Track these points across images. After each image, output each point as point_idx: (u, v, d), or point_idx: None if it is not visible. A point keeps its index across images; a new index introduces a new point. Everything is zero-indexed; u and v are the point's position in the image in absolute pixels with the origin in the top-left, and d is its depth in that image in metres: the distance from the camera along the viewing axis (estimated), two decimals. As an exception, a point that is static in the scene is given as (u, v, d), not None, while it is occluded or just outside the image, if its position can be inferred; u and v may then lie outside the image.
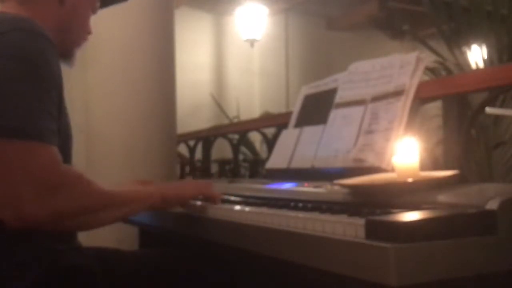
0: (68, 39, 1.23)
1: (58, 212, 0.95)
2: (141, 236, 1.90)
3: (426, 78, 1.73)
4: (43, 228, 0.96)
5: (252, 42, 6.15)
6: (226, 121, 4.71)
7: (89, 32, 1.30)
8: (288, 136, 1.72)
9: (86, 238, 1.22)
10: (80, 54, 1.30)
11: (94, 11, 1.30)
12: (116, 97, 2.46)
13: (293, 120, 1.75)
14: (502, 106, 2.26)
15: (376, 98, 1.43)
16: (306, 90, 1.78)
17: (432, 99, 1.47)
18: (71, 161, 1.19)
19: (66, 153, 1.12)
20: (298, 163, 1.59)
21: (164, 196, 1.17)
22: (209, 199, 1.24)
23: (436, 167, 1.32)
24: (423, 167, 1.04)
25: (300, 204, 1.05)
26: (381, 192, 1.01)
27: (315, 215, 0.91)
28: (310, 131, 1.61)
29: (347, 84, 1.56)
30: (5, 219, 0.93)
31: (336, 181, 1.12)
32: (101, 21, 1.35)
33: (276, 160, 1.70)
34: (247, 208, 1.08)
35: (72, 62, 1.28)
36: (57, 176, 0.95)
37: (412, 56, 1.40)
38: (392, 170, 1.10)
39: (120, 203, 1.07)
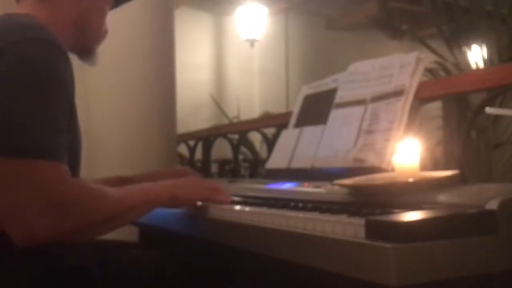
0: (87, 36, 1.22)
1: (67, 230, 0.94)
2: (141, 236, 1.90)
3: (425, 79, 1.73)
4: (55, 243, 0.96)
5: (252, 42, 6.15)
6: (226, 121, 4.71)
7: (106, 31, 1.29)
8: (288, 136, 1.72)
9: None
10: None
11: (110, 7, 1.30)
12: (116, 97, 2.46)
13: (293, 120, 1.75)
14: (501, 106, 2.26)
15: (376, 98, 1.43)
16: (306, 90, 1.78)
17: (432, 99, 1.47)
18: (80, 167, 1.19)
19: (75, 161, 1.12)
20: (298, 163, 1.59)
21: (173, 196, 1.14)
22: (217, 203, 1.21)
23: (436, 167, 1.32)
24: (423, 167, 1.04)
25: (300, 204, 1.05)
26: (381, 192, 1.01)
27: (315, 215, 0.91)
28: (310, 131, 1.61)
29: (347, 84, 1.56)
30: (15, 239, 0.92)
31: (336, 181, 1.12)
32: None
33: (276, 160, 1.70)
34: (247, 208, 1.08)
35: (93, 60, 1.27)
36: (65, 195, 0.94)
37: (412, 56, 1.40)
38: (392, 170, 1.10)
39: (129, 209, 1.06)
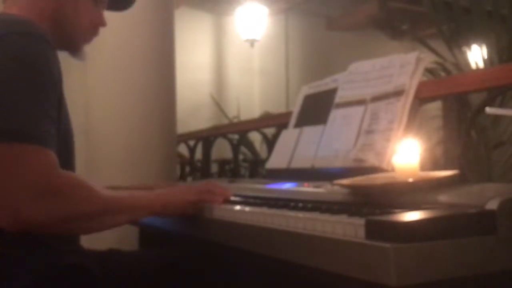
0: (68, 30, 1.22)
1: (55, 216, 0.94)
2: (141, 236, 1.90)
3: (425, 79, 1.73)
4: (41, 232, 0.96)
5: (252, 42, 6.15)
6: (226, 121, 4.71)
7: (99, 24, 1.28)
8: (288, 136, 1.72)
9: (86, 238, 1.22)
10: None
11: (98, 3, 1.28)
12: (116, 97, 2.46)
13: (293, 120, 1.75)
14: (501, 106, 2.26)
15: (376, 98, 1.43)
16: (306, 90, 1.78)
17: (432, 99, 1.47)
18: (74, 163, 1.18)
19: (67, 156, 1.12)
20: (298, 163, 1.59)
21: (165, 203, 1.13)
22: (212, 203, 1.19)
23: (436, 167, 1.32)
24: (423, 167, 1.04)
25: (300, 204, 1.05)
26: (381, 192, 1.01)
27: (315, 215, 0.91)
28: (310, 131, 1.61)
29: (347, 84, 1.56)
30: (2, 224, 0.92)
31: (336, 181, 1.12)
32: (117, 12, 1.35)
33: (276, 160, 1.70)
34: (247, 208, 1.08)
35: (80, 56, 1.27)
36: (54, 180, 0.94)
37: (412, 56, 1.40)
38: (392, 170, 1.10)
39: (120, 209, 1.05)
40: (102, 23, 1.30)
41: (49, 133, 0.97)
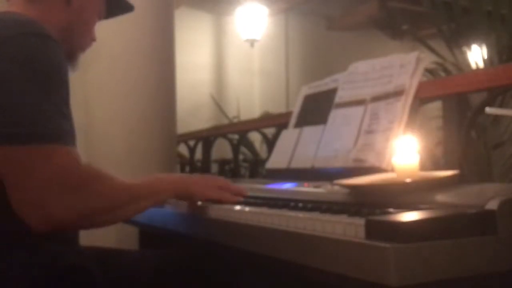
0: (73, 41, 1.23)
1: (83, 211, 0.96)
2: (141, 236, 1.90)
3: (425, 79, 1.73)
4: (70, 229, 0.97)
5: (252, 42, 6.15)
6: (226, 121, 4.71)
7: (93, 39, 1.30)
8: (288, 136, 1.72)
9: (86, 239, 1.22)
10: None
11: (99, 18, 1.30)
12: (116, 97, 2.46)
13: (293, 120, 1.75)
14: (501, 106, 2.26)
15: (376, 98, 1.43)
16: (306, 90, 1.78)
17: (432, 99, 1.47)
18: None
19: None
20: (298, 163, 1.59)
21: (186, 187, 1.17)
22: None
23: (436, 167, 1.32)
24: (423, 167, 1.04)
25: (300, 204, 1.05)
26: (381, 192, 1.01)
27: (315, 215, 0.91)
28: (310, 131, 1.61)
29: (347, 84, 1.56)
30: (32, 224, 0.93)
31: (336, 181, 1.12)
32: (101, 21, 1.36)
33: (276, 160, 1.70)
34: (247, 208, 1.08)
35: (75, 66, 1.28)
36: (78, 175, 0.97)
37: (412, 56, 1.40)
38: (392, 170, 1.10)
39: (141, 197, 1.08)
40: (95, 37, 1.32)
41: (66, 130, 0.99)
